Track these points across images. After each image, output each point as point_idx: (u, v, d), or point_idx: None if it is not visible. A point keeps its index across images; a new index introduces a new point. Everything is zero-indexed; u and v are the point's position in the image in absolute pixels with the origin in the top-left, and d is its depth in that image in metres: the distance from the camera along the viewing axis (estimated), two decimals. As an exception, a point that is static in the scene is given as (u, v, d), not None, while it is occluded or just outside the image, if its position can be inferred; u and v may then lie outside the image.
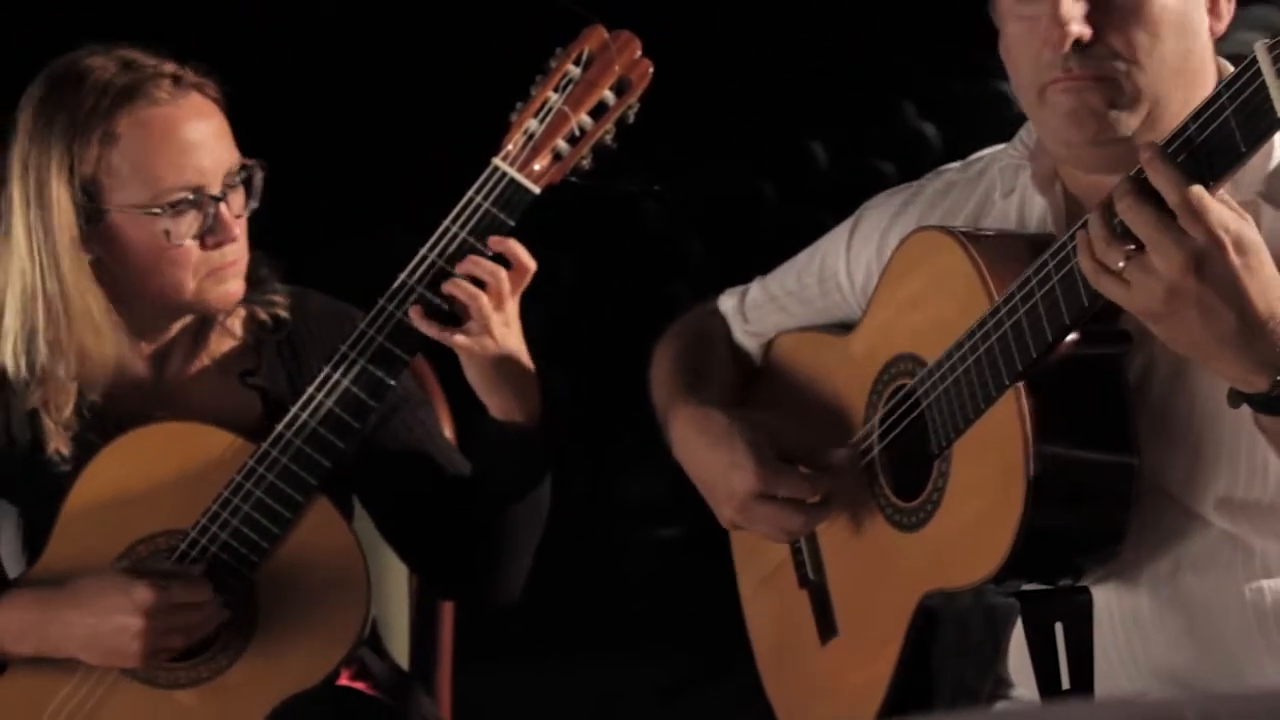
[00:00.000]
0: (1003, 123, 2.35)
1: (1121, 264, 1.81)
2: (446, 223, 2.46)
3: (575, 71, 2.51)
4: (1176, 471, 2.03)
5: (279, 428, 2.43)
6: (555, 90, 2.51)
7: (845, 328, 2.34)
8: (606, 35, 2.53)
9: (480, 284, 2.42)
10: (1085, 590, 2.06)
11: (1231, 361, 1.82)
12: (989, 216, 2.22)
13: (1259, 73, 1.75)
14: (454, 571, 2.60)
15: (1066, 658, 2.02)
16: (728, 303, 2.51)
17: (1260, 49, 1.74)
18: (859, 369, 2.25)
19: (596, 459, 2.56)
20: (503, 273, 2.42)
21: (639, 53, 2.54)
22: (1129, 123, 2.01)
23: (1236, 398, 1.86)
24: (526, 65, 2.53)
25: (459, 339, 2.42)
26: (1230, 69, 2.03)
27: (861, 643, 2.25)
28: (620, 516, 2.56)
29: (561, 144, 2.50)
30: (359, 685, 2.57)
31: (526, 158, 2.48)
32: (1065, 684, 2.01)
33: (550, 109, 2.50)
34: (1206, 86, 1.99)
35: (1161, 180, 1.80)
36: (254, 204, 2.51)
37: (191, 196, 2.43)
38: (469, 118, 2.49)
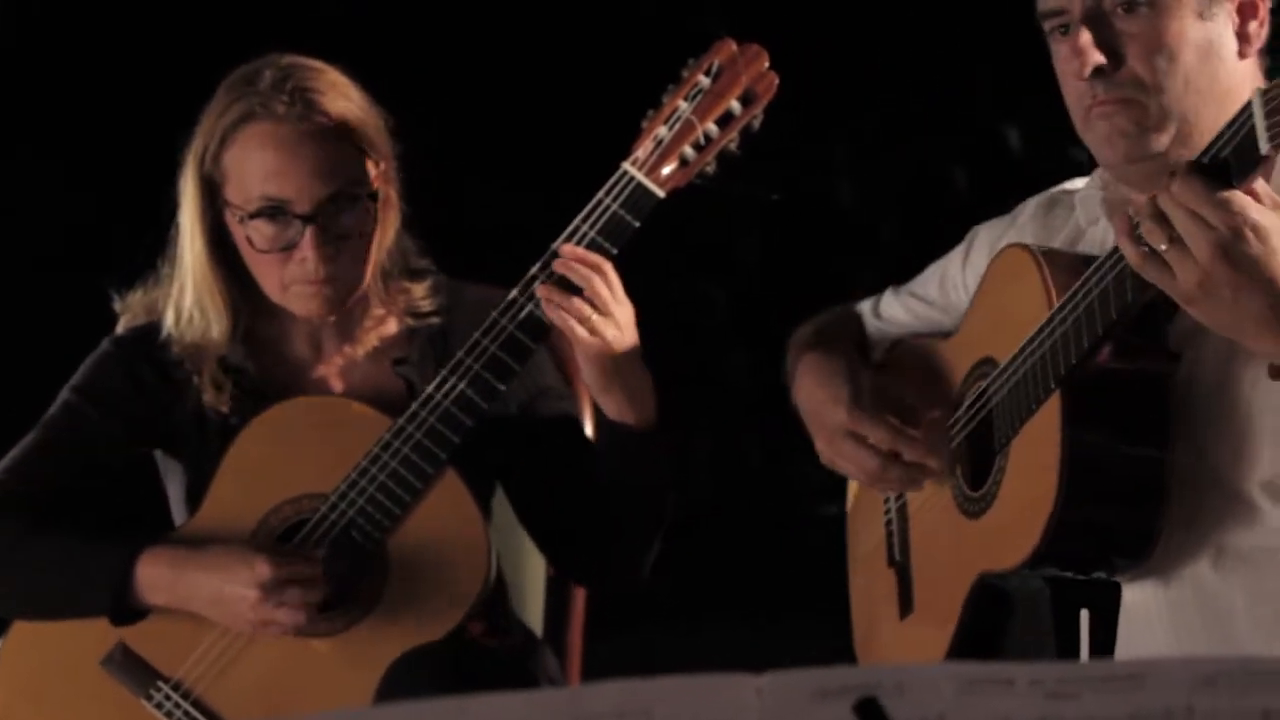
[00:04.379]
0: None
1: (1164, 246, 1.98)
2: (576, 222, 2.65)
3: (705, 82, 2.69)
4: (1224, 455, 2.17)
5: (414, 405, 2.65)
6: (685, 99, 2.68)
7: (950, 334, 2.51)
8: (735, 48, 2.69)
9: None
10: (1116, 584, 2.20)
11: (1266, 338, 1.98)
12: (1081, 243, 2.38)
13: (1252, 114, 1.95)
14: (577, 556, 2.81)
15: (1090, 645, 2.16)
16: (864, 305, 2.69)
17: (1256, 94, 1.95)
18: (954, 369, 2.43)
19: (772, 434, 2.72)
20: (595, 278, 2.58)
21: (766, 65, 2.70)
22: (1159, 141, 2.20)
23: (1276, 370, 2.02)
24: (659, 75, 2.72)
25: (579, 331, 2.58)
26: None
27: (928, 620, 2.43)
28: (788, 493, 2.71)
29: (688, 151, 2.68)
30: (486, 642, 2.78)
31: (654, 163, 2.66)
32: None
33: (679, 117, 2.67)
34: (1239, 104, 2.13)
35: (1187, 186, 1.97)
36: (358, 237, 2.65)
37: (270, 209, 2.63)
38: (602, 124, 2.66)
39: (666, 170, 2.66)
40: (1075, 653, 2.17)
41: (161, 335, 2.73)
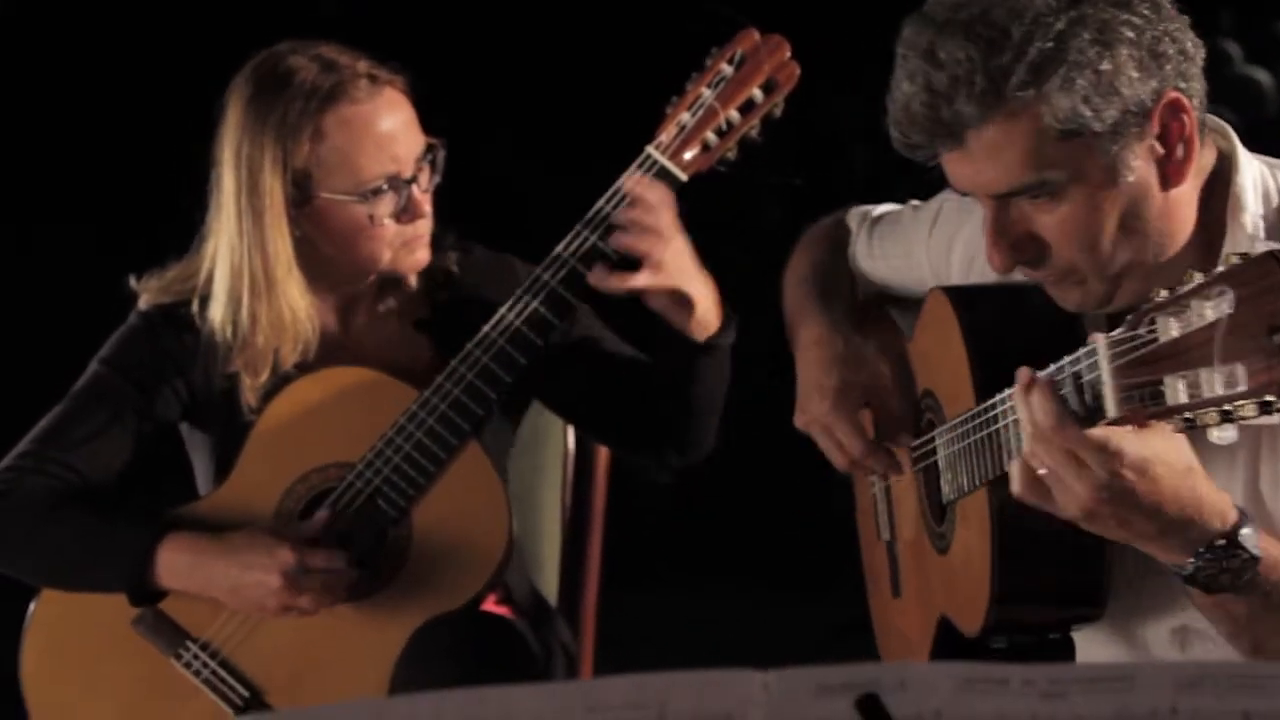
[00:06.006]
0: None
1: (1043, 471, 1.93)
2: (600, 203, 2.72)
3: (728, 70, 2.76)
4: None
5: (439, 379, 2.72)
6: (708, 87, 2.75)
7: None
8: (758, 38, 2.76)
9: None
10: (1068, 641, 2.24)
11: (1159, 551, 1.96)
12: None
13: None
14: (652, 439, 2.84)
15: None
16: (854, 221, 2.64)
17: (1101, 340, 1.84)
18: (915, 378, 2.44)
19: (789, 397, 2.76)
20: (650, 215, 2.65)
21: (788, 55, 2.77)
22: (1116, 295, 2.10)
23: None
24: (684, 63, 2.78)
25: (640, 280, 2.65)
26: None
27: (913, 617, 2.50)
28: (803, 456, 2.76)
29: (710, 136, 2.75)
30: (502, 610, 2.87)
31: (678, 147, 2.73)
32: None
33: (702, 104, 2.75)
34: (1180, 231, 2.08)
35: (1061, 430, 1.89)
36: (438, 179, 2.79)
37: (389, 183, 2.71)
38: (627, 108, 2.73)
39: (689, 155, 2.73)
40: None
41: (190, 310, 2.79)
